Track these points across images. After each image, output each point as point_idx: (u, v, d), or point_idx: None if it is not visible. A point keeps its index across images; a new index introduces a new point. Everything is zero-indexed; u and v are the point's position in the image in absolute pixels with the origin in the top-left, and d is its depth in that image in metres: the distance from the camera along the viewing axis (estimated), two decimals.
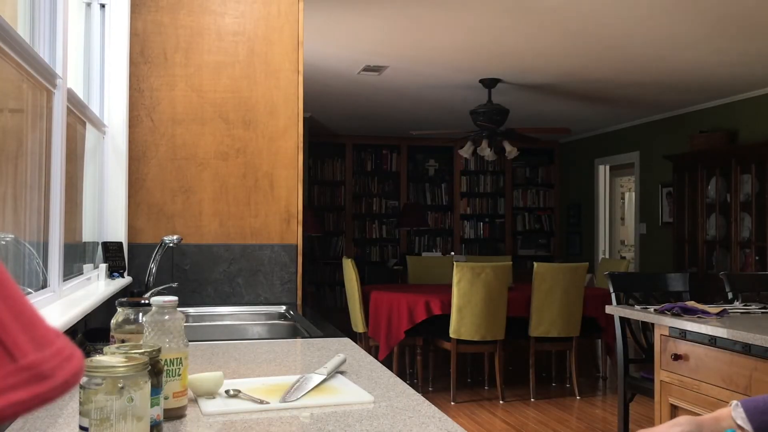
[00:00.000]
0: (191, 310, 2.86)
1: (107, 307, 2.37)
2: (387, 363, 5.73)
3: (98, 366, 0.96)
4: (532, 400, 5.23)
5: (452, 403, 5.11)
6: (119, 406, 0.95)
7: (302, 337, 2.26)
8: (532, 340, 5.28)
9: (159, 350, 1.10)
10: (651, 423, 2.81)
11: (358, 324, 5.65)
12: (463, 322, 5.03)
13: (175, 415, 1.21)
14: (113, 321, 1.36)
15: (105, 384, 0.95)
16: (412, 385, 5.59)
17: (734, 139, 6.68)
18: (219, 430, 1.17)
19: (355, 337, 5.85)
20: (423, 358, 5.59)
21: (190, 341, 2.48)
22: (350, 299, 5.71)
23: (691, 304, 2.87)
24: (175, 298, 1.25)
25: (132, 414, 0.96)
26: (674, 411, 2.68)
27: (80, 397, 0.96)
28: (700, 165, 6.69)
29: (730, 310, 2.85)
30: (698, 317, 2.69)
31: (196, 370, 1.67)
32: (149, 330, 1.23)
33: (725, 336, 2.44)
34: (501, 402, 5.15)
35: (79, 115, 2.43)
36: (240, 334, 2.46)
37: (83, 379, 0.96)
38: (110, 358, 1.00)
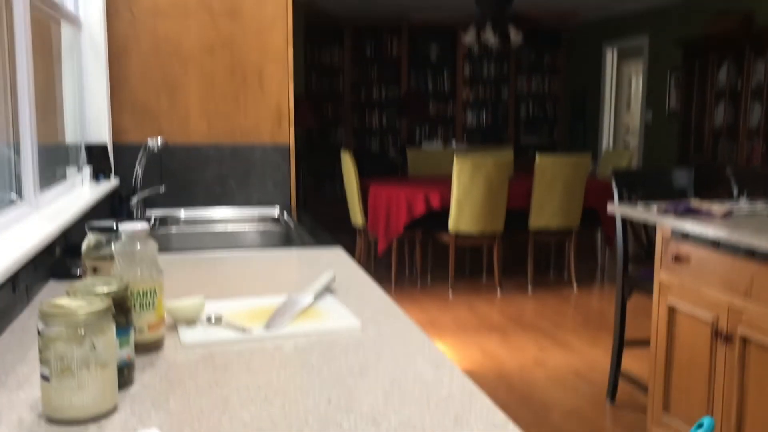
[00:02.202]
0: (182, 213, 2.80)
1: (94, 213, 2.29)
2: (386, 256, 5.75)
3: (55, 313, 0.88)
4: (530, 292, 5.28)
5: (450, 296, 5.16)
6: (81, 355, 0.88)
7: (294, 245, 2.20)
8: (532, 232, 5.26)
9: (126, 287, 1.03)
10: (648, 319, 2.81)
11: (357, 218, 5.61)
12: (463, 215, 4.99)
13: (151, 347, 1.15)
14: (84, 247, 1.28)
15: (64, 331, 0.88)
16: (410, 278, 5.64)
17: (750, 22, 6.37)
18: (197, 362, 1.12)
19: (355, 232, 5.84)
20: (422, 251, 5.61)
21: (179, 250, 2.42)
22: (349, 193, 5.65)
23: (696, 203, 2.79)
24: (147, 225, 1.17)
25: (95, 362, 0.89)
26: (672, 313, 2.66)
27: (39, 345, 0.89)
28: (711, 50, 6.43)
29: (736, 211, 2.78)
30: (703, 218, 2.61)
31: (181, 286, 1.61)
32: (120, 260, 1.15)
33: (729, 239, 2.38)
34: (499, 294, 5.20)
35: (50, 11, 2.26)
36: (232, 240, 2.40)
37: (40, 325, 0.89)
38: (70, 301, 0.92)
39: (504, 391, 3.42)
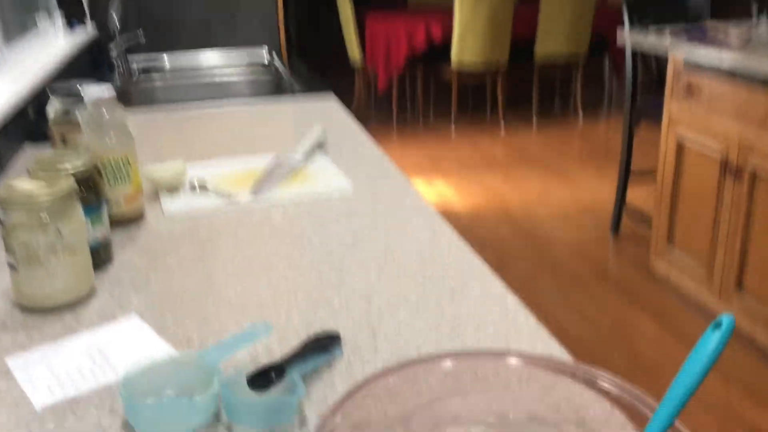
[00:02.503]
0: (167, 61, 2.65)
1: (72, 67, 2.16)
2: (387, 94, 5.58)
3: (14, 199, 0.81)
4: (535, 126, 5.16)
5: (453, 133, 5.06)
6: (46, 242, 0.82)
7: (284, 93, 2.08)
8: (537, 64, 5.04)
9: (93, 162, 0.95)
10: (656, 150, 2.73)
11: (354, 53, 5.38)
12: (466, 46, 4.76)
13: (130, 220, 1.09)
14: (51, 113, 1.18)
15: (25, 218, 0.81)
16: (412, 115, 5.51)
17: None
18: (180, 235, 1.06)
19: (353, 70, 5.61)
20: (424, 88, 5.43)
21: (166, 101, 2.31)
22: (345, 27, 5.37)
23: (712, 28, 2.61)
24: (113, 91, 1.06)
25: (63, 248, 0.83)
26: (680, 147, 2.58)
27: (1, 232, 0.83)
28: None
29: (754, 38, 2.60)
30: (718, 46, 2.45)
31: (165, 147, 1.53)
32: (87, 130, 1.06)
33: (745, 67, 2.24)
34: (503, 130, 5.09)
35: None
36: (219, 91, 2.28)
37: None
38: (31, 183, 0.85)
39: (507, 228, 3.43)
